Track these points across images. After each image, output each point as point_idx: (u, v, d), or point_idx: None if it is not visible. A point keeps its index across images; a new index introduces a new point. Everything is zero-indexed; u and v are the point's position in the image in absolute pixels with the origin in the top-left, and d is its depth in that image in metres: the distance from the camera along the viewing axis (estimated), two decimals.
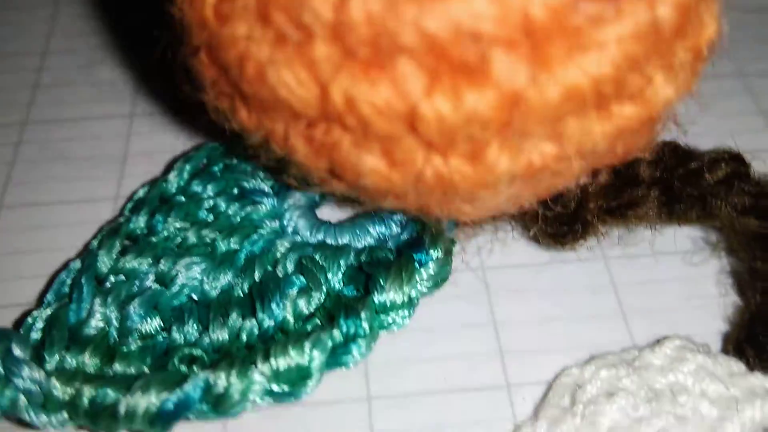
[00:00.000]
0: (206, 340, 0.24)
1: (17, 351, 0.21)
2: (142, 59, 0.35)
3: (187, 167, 0.28)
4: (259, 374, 0.21)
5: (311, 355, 0.21)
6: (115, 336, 0.24)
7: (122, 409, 0.21)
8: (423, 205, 0.20)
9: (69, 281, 0.25)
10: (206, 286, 0.25)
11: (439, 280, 0.24)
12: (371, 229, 0.26)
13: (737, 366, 0.23)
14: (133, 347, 0.23)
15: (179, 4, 0.18)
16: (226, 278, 0.25)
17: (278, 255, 0.25)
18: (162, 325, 0.25)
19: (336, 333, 0.22)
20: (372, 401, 0.24)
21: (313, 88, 0.17)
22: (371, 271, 0.23)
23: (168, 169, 0.29)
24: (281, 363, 0.21)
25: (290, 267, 0.25)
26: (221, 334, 0.24)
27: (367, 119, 0.17)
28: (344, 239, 0.26)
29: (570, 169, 0.19)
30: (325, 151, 0.19)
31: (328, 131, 0.18)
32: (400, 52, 0.16)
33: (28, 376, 0.21)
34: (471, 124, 0.16)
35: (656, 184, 0.24)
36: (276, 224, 0.27)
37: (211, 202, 0.27)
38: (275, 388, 0.21)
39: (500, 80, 0.16)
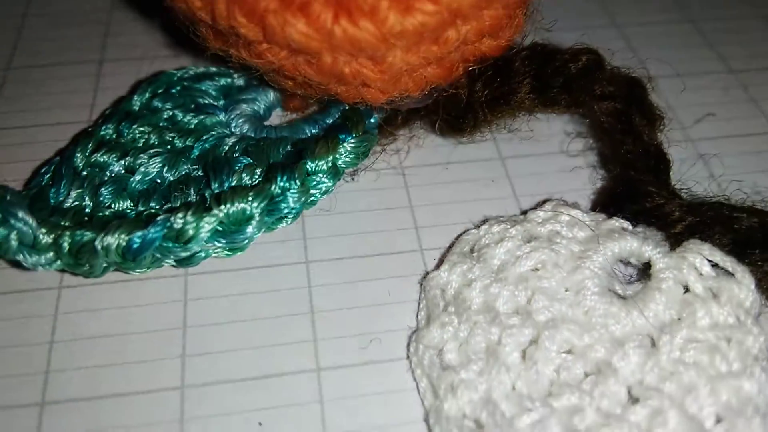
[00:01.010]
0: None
1: (13, 199, 0.26)
2: None
3: (149, 88, 0.33)
4: (210, 215, 0.26)
5: (252, 201, 0.26)
6: (89, 211, 0.28)
7: (98, 245, 0.25)
8: (337, 72, 0.26)
9: (50, 172, 0.30)
10: (166, 174, 0.30)
11: (359, 154, 0.29)
12: (306, 128, 0.31)
13: (601, 217, 0.29)
14: (107, 213, 0.28)
15: None
16: (183, 167, 0.30)
17: (227, 147, 0.30)
18: (131, 204, 0.29)
19: (273, 186, 0.27)
20: (310, 265, 0.29)
21: None
22: (304, 146, 0.29)
23: (132, 90, 0.34)
24: (229, 207, 0.26)
25: (237, 153, 0.30)
26: (179, 204, 0.28)
27: None
28: (284, 134, 0.31)
29: (448, 37, 0.25)
30: (257, 15, 0.24)
31: (271, 4, 0.24)
32: None
33: (22, 217, 0.25)
34: None
35: (529, 75, 0.30)
36: (226, 129, 0.32)
37: (170, 113, 0.32)
38: (223, 228, 0.26)
39: None
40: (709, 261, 0.26)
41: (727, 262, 0.26)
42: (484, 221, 0.30)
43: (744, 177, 0.32)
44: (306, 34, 0.24)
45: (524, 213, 0.30)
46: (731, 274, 0.26)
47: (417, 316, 0.27)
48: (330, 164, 0.28)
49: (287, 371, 0.26)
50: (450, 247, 0.29)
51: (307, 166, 0.28)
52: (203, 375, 0.26)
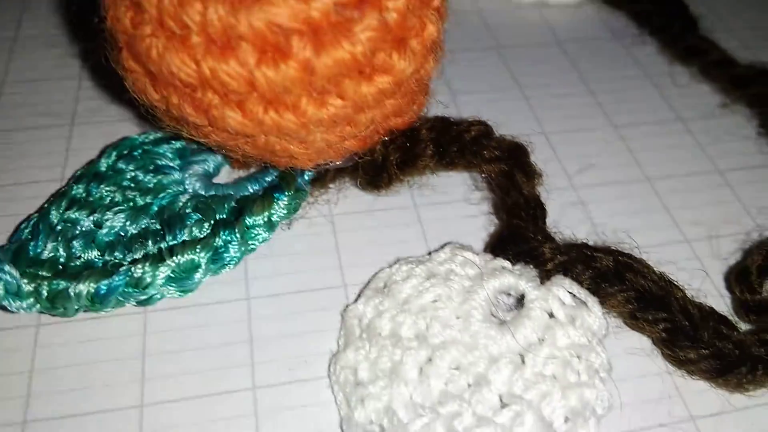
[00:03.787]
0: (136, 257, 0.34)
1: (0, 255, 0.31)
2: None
3: (114, 152, 0.39)
4: (164, 265, 0.31)
5: (200, 253, 0.32)
6: (64, 261, 0.34)
7: (71, 292, 0.31)
8: (270, 148, 0.32)
9: (29, 228, 0.35)
10: (129, 227, 0.35)
11: (291, 209, 0.35)
12: (248, 186, 0.37)
13: (488, 257, 0.35)
14: (78, 263, 0.33)
15: (109, 20, 0.30)
16: (143, 222, 0.36)
17: (180, 203, 0.36)
18: (99, 254, 0.35)
19: (217, 240, 0.33)
20: (250, 300, 0.35)
21: (191, 65, 0.28)
22: (244, 203, 0.35)
23: (100, 154, 0.40)
24: (180, 258, 0.32)
25: (189, 210, 0.36)
26: (140, 255, 0.34)
27: (225, 84, 0.28)
28: (229, 192, 0.37)
29: (358, 120, 0.31)
30: (203, 109, 0.30)
31: (204, 94, 0.29)
32: (240, 39, 0.27)
33: (8, 270, 0.31)
34: (285, 83, 0.28)
35: (432, 142, 0.37)
36: (180, 188, 0.38)
37: (133, 174, 0.38)
38: (175, 275, 0.32)
39: (297, 55, 0.28)
40: (570, 293, 0.33)
41: (582, 294, 0.33)
42: (396, 261, 0.36)
43: (609, 220, 0.39)
44: (242, 123, 0.30)
45: (429, 254, 0.36)
46: (585, 304, 0.32)
47: (337, 342, 0.33)
48: (266, 219, 0.34)
49: (228, 390, 0.31)
50: (367, 283, 0.35)
51: (246, 222, 0.34)
52: (160, 394, 0.31)
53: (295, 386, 0.32)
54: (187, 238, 0.34)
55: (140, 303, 0.33)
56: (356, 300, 0.34)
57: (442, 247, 0.36)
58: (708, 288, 0.36)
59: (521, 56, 0.51)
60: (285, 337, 0.33)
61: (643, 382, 0.33)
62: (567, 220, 0.39)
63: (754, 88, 0.45)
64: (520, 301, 0.34)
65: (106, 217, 0.35)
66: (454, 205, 0.40)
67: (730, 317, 0.34)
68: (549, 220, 0.37)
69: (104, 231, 0.35)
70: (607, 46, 0.52)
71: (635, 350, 0.34)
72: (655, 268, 0.34)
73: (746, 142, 0.45)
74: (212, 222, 0.34)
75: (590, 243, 0.36)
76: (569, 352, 0.31)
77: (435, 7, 0.31)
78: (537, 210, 0.36)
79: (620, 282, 0.34)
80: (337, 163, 0.36)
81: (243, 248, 0.34)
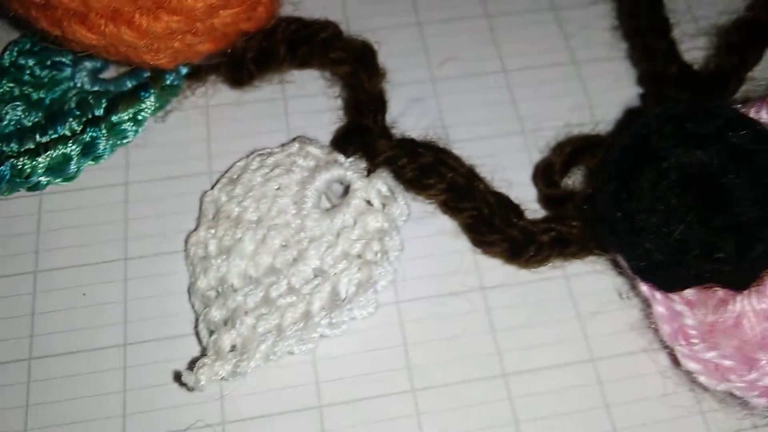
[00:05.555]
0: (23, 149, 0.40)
1: None
2: None
3: (16, 48, 0.44)
4: (41, 157, 0.38)
5: (71, 147, 0.38)
6: None
7: None
8: (125, 56, 0.37)
9: None
10: (24, 120, 0.41)
11: (159, 106, 0.41)
12: (127, 82, 0.42)
13: (328, 150, 0.41)
14: None
15: None
16: (36, 116, 0.41)
17: (66, 99, 0.41)
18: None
19: (86, 136, 0.39)
20: (129, 186, 0.41)
21: None
22: (114, 101, 0.40)
23: (3, 50, 0.44)
24: (52, 153, 0.38)
25: (72, 105, 0.41)
26: (30, 145, 0.40)
27: (63, 3, 0.33)
28: (110, 87, 0.42)
29: (198, 29, 0.36)
30: (55, 23, 0.35)
31: (54, 11, 0.34)
32: None
33: None
34: (113, 3, 0.33)
35: (285, 42, 0.41)
36: (71, 83, 0.43)
37: (31, 69, 0.43)
38: (52, 166, 0.38)
39: None
40: (387, 185, 0.39)
41: (391, 186, 0.38)
42: (253, 152, 0.41)
43: (453, 114, 0.44)
44: (87, 37, 0.35)
45: (282, 146, 0.42)
46: (393, 195, 0.38)
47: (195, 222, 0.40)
48: (131, 115, 0.40)
49: (105, 260, 0.39)
50: (225, 172, 0.41)
51: (112, 119, 0.39)
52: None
53: (159, 258, 0.39)
54: (68, 132, 0.40)
55: (30, 188, 0.39)
56: (213, 187, 0.40)
57: (293, 140, 0.41)
58: (524, 179, 0.42)
59: None
60: (155, 217, 0.40)
61: (446, 258, 0.40)
62: (411, 115, 0.43)
63: None
64: (347, 189, 0.39)
65: (5, 111, 0.41)
66: (316, 98, 0.44)
67: (536, 206, 0.40)
68: (393, 116, 0.42)
69: (4, 123, 0.41)
70: None
71: (448, 231, 0.40)
72: (465, 162, 0.40)
73: (607, 34, 0.47)
74: (86, 118, 0.40)
75: (426, 138, 0.41)
76: (373, 235, 0.37)
77: None
78: (377, 108, 0.41)
79: (437, 175, 0.39)
80: (201, 62, 0.41)
81: (113, 142, 0.40)
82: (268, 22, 0.40)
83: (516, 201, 0.40)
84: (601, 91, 0.45)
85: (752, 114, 0.37)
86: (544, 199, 0.40)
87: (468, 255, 0.40)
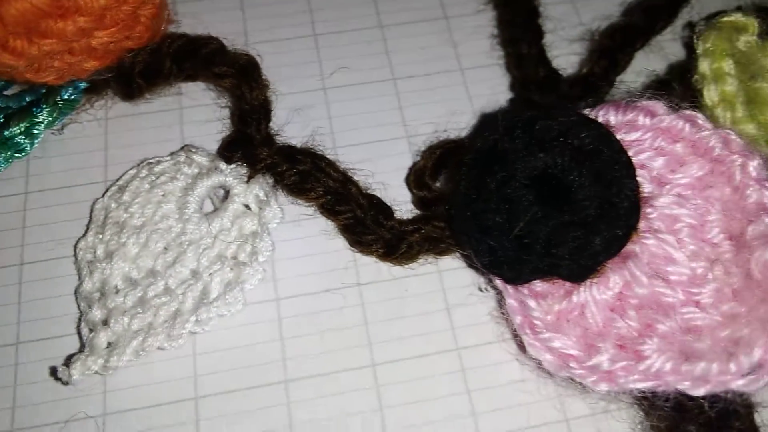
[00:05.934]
0: None
1: None
2: None
3: None
4: None
5: None
6: None
7: None
8: (10, 76, 0.39)
9: None
10: None
11: (53, 120, 0.43)
12: (26, 97, 0.45)
13: (212, 158, 0.43)
14: None
15: None
16: None
17: None
18: None
19: None
20: (27, 195, 0.44)
21: None
22: (8, 116, 0.42)
23: None
24: None
25: None
26: None
27: None
28: (10, 104, 0.44)
29: (75, 49, 0.38)
30: None
31: None
32: None
33: None
34: None
35: (171, 57, 0.43)
36: None
37: None
38: None
39: None
40: (264, 190, 0.41)
41: (269, 192, 0.41)
42: (143, 161, 0.44)
43: (338, 121, 0.46)
44: None
45: (171, 154, 0.44)
46: (268, 200, 0.41)
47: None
48: (23, 129, 0.42)
49: None
50: (116, 180, 0.43)
51: (5, 133, 0.42)
52: None
53: (51, 262, 0.41)
54: None
55: None
56: (103, 195, 0.43)
57: (181, 148, 0.44)
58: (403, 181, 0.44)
59: None
60: (51, 223, 0.43)
61: (326, 257, 0.42)
62: (298, 122, 0.45)
63: None
64: (227, 195, 0.42)
65: None
66: (209, 109, 0.46)
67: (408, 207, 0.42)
68: (279, 124, 0.44)
69: None
70: None
71: (328, 232, 0.42)
72: (341, 167, 0.42)
73: (488, 42, 0.49)
74: None
75: (307, 145, 0.43)
76: (247, 237, 0.40)
77: None
78: (261, 117, 0.43)
79: (314, 181, 0.41)
80: (94, 77, 0.43)
81: (7, 154, 0.42)
82: (153, 38, 0.43)
83: (395, 202, 0.43)
84: (480, 97, 0.47)
85: (600, 116, 0.39)
86: (417, 201, 0.42)
87: (346, 254, 0.42)
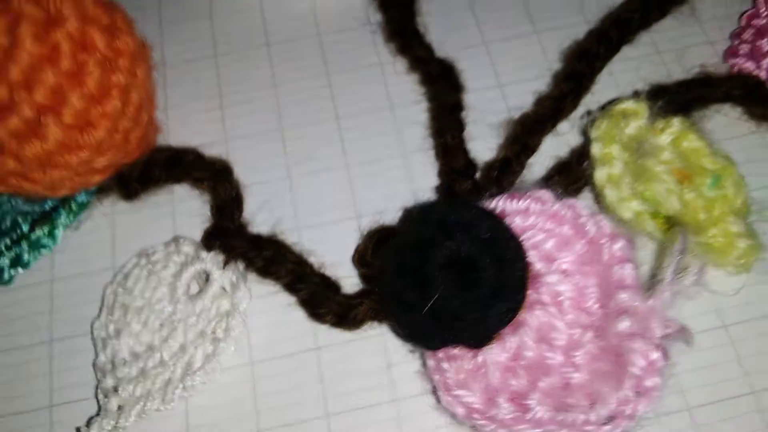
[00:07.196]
0: None
1: None
2: None
3: None
4: None
5: (2, 261, 0.51)
6: None
7: None
8: (32, 194, 0.50)
9: None
10: None
11: (70, 221, 0.53)
12: (49, 202, 0.55)
13: (196, 247, 0.53)
14: None
15: None
16: None
17: (4, 218, 0.55)
18: None
19: (10, 254, 0.52)
20: (54, 282, 0.54)
21: None
22: (35, 221, 0.53)
23: None
24: None
25: (9, 224, 0.54)
26: None
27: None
28: (35, 207, 0.55)
29: (81, 171, 0.49)
30: None
31: None
32: None
33: None
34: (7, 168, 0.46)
35: (160, 165, 0.53)
36: (10, 204, 0.56)
37: None
38: None
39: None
40: (235, 275, 0.51)
41: (239, 277, 0.50)
42: (141, 251, 0.54)
43: (300, 207, 0.55)
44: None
45: (164, 244, 0.54)
46: (238, 284, 0.50)
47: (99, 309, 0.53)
48: (46, 232, 0.53)
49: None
50: (121, 268, 0.54)
51: (32, 237, 0.52)
52: None
53: (76, 339, 0.52)
54: (2, 248, 0.53)
55: None
56: (112, 281, 0.53)
57: (172, 239, 0.54)
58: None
59: (284, 52, 0.64)
60: (72, 306, 0.53)
61: (289, 326, 0.52)
62: (267, 210, 0.55)
63: (435, 87, 0.57)
64: (208, 279, 0.52)
65: None
66: (196, 203, 0.56)
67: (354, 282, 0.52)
68: (250, 214, 0.54)
69: None
70: (356, 35, 0.64)
71: (291, 305, 0.52)
72: (299, 250, 0.52)
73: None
74: (14, 236, 0.53)
75: (272, 233, 0.53)
76: (223, 316, 0.50)
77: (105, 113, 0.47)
78: (234, 209, 0.53)
79: (277, 264, 0.51)
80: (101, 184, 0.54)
81: (36, 253, 0.53)
82: (146, 151, 0.53)
83: (349, 275, 0.52)
84: (420, 180, 0.56)
85: (499, 205, 0.48)
86: (360, 276, 0.51)
87: (306, 323, 0.52)
